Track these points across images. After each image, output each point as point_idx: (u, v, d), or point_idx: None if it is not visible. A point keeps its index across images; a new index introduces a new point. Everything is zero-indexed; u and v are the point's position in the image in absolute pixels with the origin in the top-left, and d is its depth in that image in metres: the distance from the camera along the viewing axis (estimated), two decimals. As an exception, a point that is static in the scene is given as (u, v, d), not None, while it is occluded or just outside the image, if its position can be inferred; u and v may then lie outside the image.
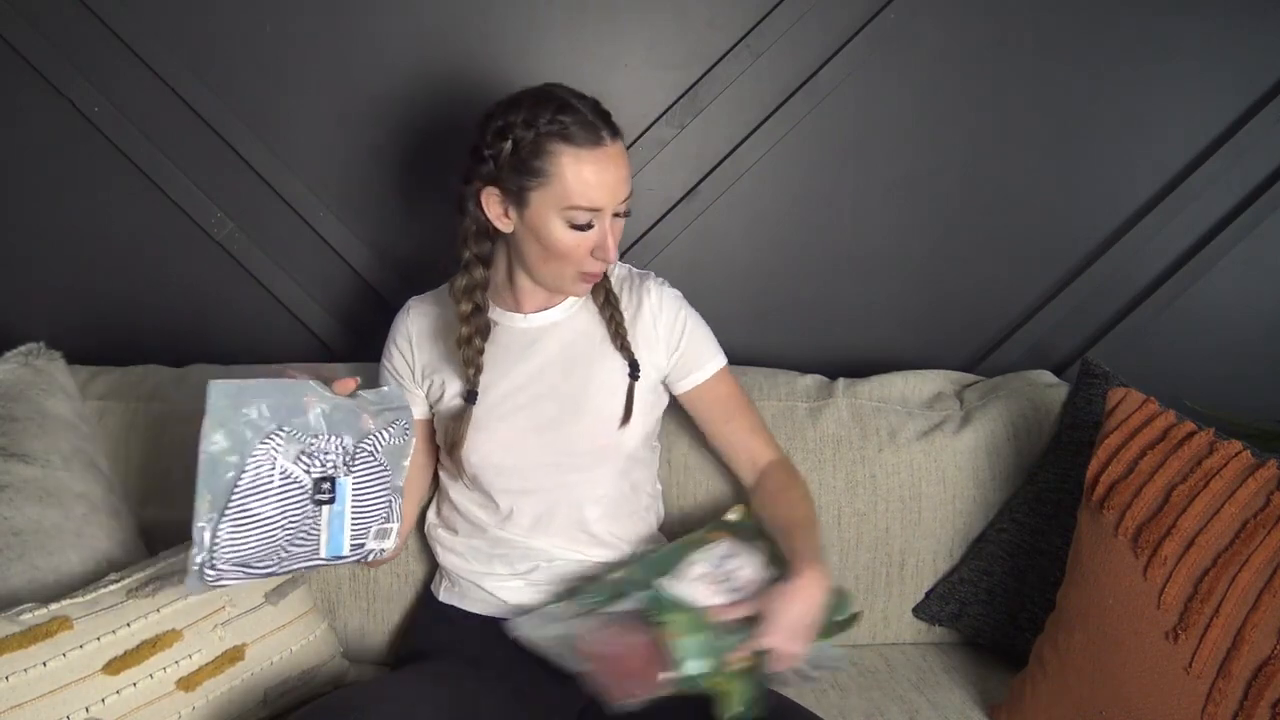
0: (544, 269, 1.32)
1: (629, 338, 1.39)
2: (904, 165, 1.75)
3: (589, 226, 1.27)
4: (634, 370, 1.39)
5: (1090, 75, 1.72)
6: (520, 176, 1.26)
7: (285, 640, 1.38)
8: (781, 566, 1.25)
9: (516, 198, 1.28)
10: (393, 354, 1.43)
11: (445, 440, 1.38)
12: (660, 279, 1.44)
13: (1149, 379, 1.56)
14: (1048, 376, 1.69)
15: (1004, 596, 1.53)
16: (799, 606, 1.18)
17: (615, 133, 1.28)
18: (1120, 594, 1.28)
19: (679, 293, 1.44)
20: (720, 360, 1.46)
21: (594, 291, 1.40)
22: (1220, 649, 1.23)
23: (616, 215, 1.30)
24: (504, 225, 1.31)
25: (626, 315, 1.40)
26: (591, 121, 1.25)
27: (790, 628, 1.17)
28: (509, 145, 1.26)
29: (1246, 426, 1.58)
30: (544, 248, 1.29)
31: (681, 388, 1.43)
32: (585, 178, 1.24)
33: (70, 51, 1.65)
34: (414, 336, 1.41)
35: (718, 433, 1.47)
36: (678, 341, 1.42)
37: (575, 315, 1.40)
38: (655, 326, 1.41)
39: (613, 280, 1.42)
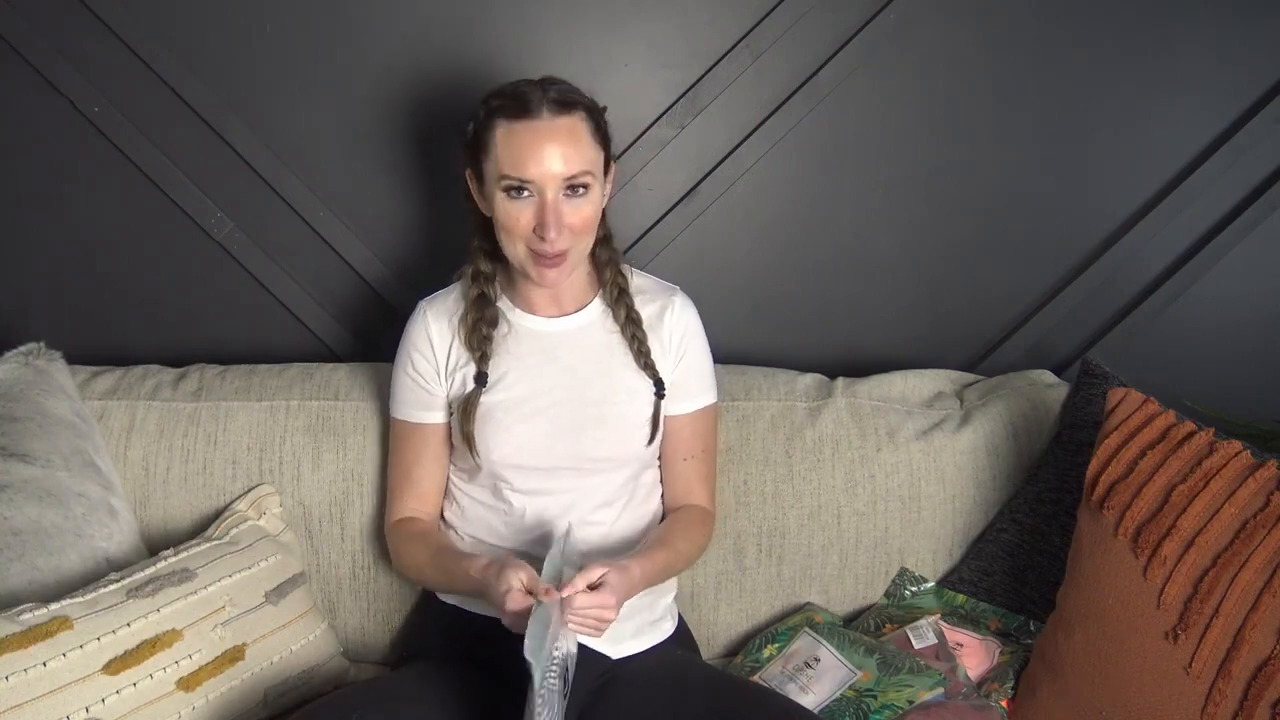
0: (505, 248, 1.34)
1: (651, 354, 1.40)
2: (904, 165, 1.74)
3: (524, 196, 1.28)
4: (659, 389, 1.40)
5: (1090, 75, 1.72)
6: (476, 153, 1.32)
7: (285, 640, 1.38)
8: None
9: (479, 176, 1.33)
10: (414, 359, 1.42)
11: (459, 427, 1.38)
12: (686, 297, 1.46)
13: (1149, 379, 1.55)
14: (1048, 376, 1.69)
15: (1004, 597, 1.53)
16: (630, 581, 1.24)
17: (562, 109, 1.28)
18: (1120, 594, 1.28)
19: (699, 319, 1.46)
20: (710, 398, 1.47)
21: (615, 308, 1.41)
22: (1220, 649, 1.23)
23: (571, 194, 1.29)
24: (483, 208, 1.35)
25: (646, 322, 1.41)
26: (530, 96, 1.28)
27: (619, 587, 1.21)
28: (471, 126, 1.33)
29: (1246, 426, 1.57)
30: (497, 224, 1.32)
31: (664, 409, 1.43)
32: (513, 147, 1.27)
33: (70, 51, 1.65)
34: (435, 338, 1.41)
35: (671, 462, 1.46)
36: (679, 359, 1.42)
37: (595, 326, 1.41)
38: (670, 339, 1.42)
39: (632, 292, 1.42)
